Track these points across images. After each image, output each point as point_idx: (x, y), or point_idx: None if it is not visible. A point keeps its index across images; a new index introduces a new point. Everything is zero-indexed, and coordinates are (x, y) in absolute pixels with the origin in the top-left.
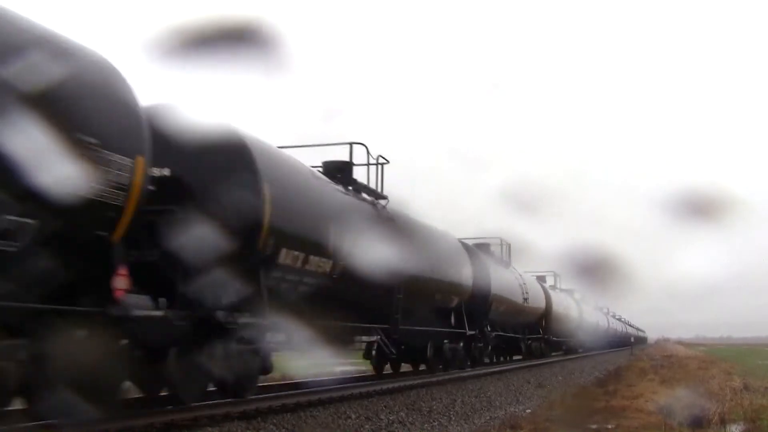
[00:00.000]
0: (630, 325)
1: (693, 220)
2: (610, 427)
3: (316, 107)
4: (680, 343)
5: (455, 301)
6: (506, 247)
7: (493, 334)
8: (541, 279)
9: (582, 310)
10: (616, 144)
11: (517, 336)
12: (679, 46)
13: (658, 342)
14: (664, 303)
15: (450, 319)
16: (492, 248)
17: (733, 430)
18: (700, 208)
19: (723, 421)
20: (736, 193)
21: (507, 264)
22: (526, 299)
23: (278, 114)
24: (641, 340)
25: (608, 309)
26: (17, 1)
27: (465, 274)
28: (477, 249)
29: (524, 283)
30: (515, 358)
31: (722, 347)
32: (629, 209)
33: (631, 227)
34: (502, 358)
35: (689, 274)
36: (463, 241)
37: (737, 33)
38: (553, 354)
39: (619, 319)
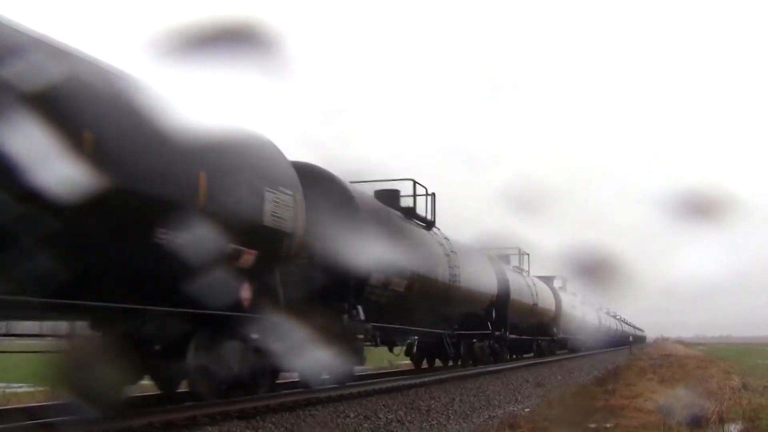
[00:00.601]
0: (626, 323)
1: (693, 220)
2: (609, 426)
3: (316, 108)
4: (679, 342)
5: (249, 259)
6: (429, 199)
7: (370, 325)
8: (503, 258)
9: (561, 302)
10: (617, 144)
11: (438, 332)
12: (680, 47)
13: (657, 341)
14: (664, 302)
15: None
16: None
17: (732, 429)
18: (700, 208)
19: (722, 421)
20: (736, 193)
21: (426, 223)
22: (455, 278)
23: (278, 115)
24: (640, 340)
25: (600, 305)
26: (20, 0)
27: (270, 208)
28: (340, 181)
29: (453, 253)
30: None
31: (721, 346)
32: (629, 209)
33: (631, 227)
34: (453, 364)
35: (689, 274)
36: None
37: (738, 34)
38: (525, 356)
39: (614, 316)
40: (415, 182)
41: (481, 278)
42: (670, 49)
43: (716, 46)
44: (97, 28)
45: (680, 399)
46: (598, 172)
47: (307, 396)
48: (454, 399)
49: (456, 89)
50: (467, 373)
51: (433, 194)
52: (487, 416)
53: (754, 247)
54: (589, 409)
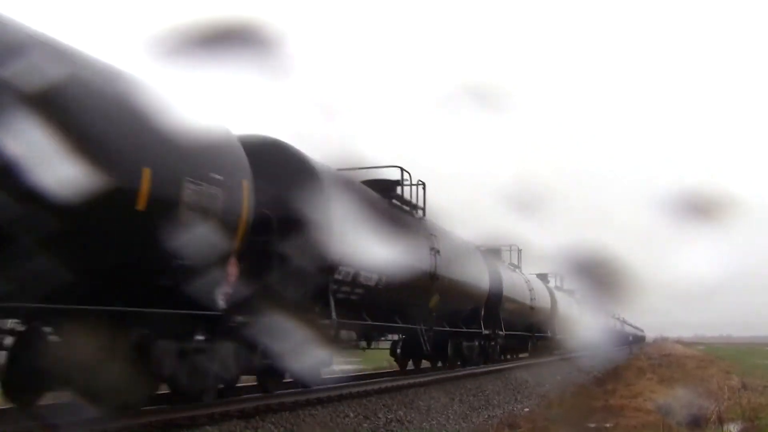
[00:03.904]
0: (625, 323)
1: (693, 221)
2: (608, 426)
3: (317, 107)
4: (679, 342)
5: None
6: (419, 189)
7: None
8: (494, 253)
9: (557, 301)
10: (616, 145)
11: (412, 327)
12: (681, 48)
13: (656, 341)
14: (664, 302)
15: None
16: None
17: (731, 429)
18: (700, 209)
19: (721, 420)
20: (736, 193)
21: (410, 207)
22: (439, 271)
23: (278, 114)
24: (639, 339)
25: (601, 304)
26: (21, 1)
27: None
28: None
29: (440, 245)
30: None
31: (721, 346)
32: (629, 209)
33: (630, 227)
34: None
35: (689, 274)
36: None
37: (738, 35)
38: (521, 356)
39: (614, 316)
40: (402, 169)
41: (472, 274)
42: (672, 50)
43: (717, 48)
44: (98, 27)
45: (680, 399)
46: (597, 172)
47: (307, 396)
48: (453, 399)
49: (458, 90)
50: (465, 373)
51: (423, 183)
52: (486, 416)
53: (755, 247)
54: (589, 409)
